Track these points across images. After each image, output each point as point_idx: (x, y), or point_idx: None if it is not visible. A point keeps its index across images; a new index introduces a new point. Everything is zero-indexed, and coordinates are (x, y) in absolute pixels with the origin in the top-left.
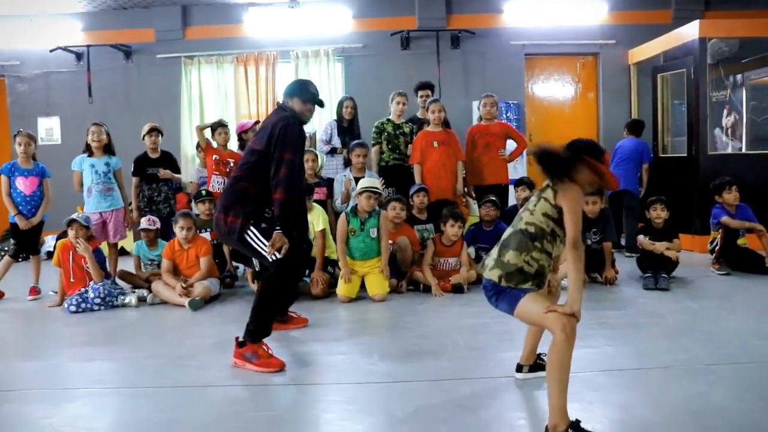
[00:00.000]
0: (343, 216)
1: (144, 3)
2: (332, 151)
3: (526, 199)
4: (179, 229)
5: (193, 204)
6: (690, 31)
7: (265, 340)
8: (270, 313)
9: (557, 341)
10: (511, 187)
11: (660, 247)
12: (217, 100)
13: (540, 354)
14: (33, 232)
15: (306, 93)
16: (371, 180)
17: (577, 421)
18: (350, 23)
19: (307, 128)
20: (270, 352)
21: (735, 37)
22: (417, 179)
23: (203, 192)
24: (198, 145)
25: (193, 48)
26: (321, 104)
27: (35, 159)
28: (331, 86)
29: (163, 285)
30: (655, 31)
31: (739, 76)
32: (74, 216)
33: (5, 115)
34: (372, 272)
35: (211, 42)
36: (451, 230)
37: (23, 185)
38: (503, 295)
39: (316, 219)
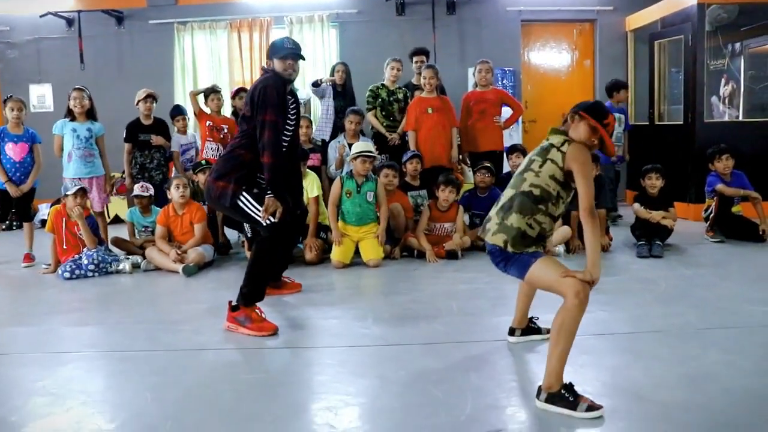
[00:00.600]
0: (337, 179)
1: None
2: (315, 84)
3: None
4: (174, 188)
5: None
6: None
7: (259, 305)
8: (263, 278)
9: (569, 306)
10: (505, 154)
11: (656, 215)
12: (210, 66)
13: (531, 318)
14: (25, 198)
15: (282, 50)
16: (365, 144)
17: (571, 384)
18: None
19: (301, 95)
20: (263, 315)
21: (734, 3)
22: (411, 145)
23: (202, 162)
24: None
25: (186, 14)
26: (300, 57)
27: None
28: (326, 52)
29: (157, 251)
30: None
31: (737, 44)
32: (79, 185)
33: None
34: (366, 237)
35: (205, 8)
36: (443, 195)
37: (13, 151)
38: (512, 261)
39: (310, 185)
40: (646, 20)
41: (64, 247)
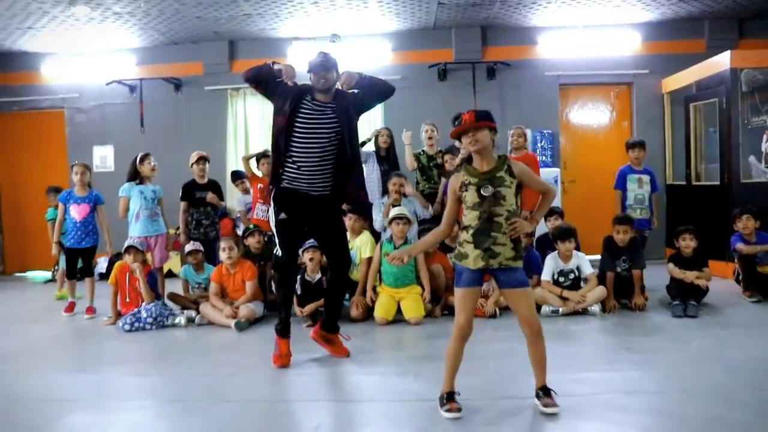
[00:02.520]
0: (378, 246)
1: (193, 38)
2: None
3: (558, 228)
4: (222, 251)
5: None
6: (722, 61)
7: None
8: (280, 306)
9: None
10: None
11: (690, 275)
12: (261, 129)
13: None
14: (86, 256)
15: (308, 69)
16: (400, 209)
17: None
18: (389, 56)
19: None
20: (279, 347)
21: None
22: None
23: (250, 227)
24: (234, 176)
25: (239, 80)
26: (324, 68)
27: (90, 186)
28: (371, 117)
29: (211, 307)
30: (688, 60)
31: None
32: (131, 242)
33: (64, 143)
34: (408, 296)
35: None
36: None
37: (75, 211)
38: None
39: (364, 245)
40: (681, 83)
41: (126, 300)
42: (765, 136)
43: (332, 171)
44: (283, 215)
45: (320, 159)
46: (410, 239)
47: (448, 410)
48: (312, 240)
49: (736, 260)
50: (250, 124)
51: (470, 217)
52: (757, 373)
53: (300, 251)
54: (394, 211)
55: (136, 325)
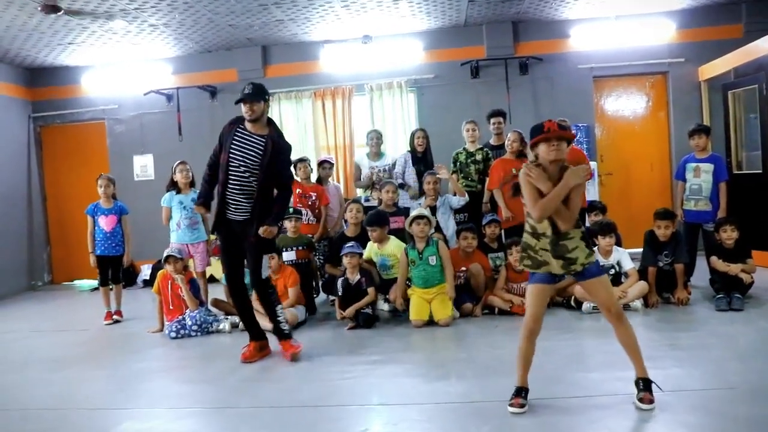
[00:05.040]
0: (403, 251)
1: (227, 45)
2: (401, 186)
3: (597, 223)
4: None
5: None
6: (762, 46)
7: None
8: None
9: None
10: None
11: (735, 268)
12: (297, 133)
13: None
14: (115, 264)
15: (237, 100)
16: (420, 210)
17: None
18: (421, 55)
19: (386, 160)
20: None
21: None
22: (499, 202)
23: (290, 210)
24: None
25: (273, 85)
26: (249, 98)
27: (115, 198)
28: (405, 117)
29: (255, 312)
30: (725, 47)
31: None
32: (170, 251)
33: (106, 154)
34: (436, 298)
35: (290, 79)
36: (512, 258)
37: (104, 223)
38: None
39: (397, 249)
40: (719, 70)
41: (170, 307)
42: None
43: (255, 197)
44: (218, 240)
45: (243, 185)
46: (449, 237)
47: (511, 405)
48: (352, 244)
49: None
50: (285, 128)
51: (543, 225)
52: None
53: (341, 255)
54: (414, 212)
55: (182, 332)
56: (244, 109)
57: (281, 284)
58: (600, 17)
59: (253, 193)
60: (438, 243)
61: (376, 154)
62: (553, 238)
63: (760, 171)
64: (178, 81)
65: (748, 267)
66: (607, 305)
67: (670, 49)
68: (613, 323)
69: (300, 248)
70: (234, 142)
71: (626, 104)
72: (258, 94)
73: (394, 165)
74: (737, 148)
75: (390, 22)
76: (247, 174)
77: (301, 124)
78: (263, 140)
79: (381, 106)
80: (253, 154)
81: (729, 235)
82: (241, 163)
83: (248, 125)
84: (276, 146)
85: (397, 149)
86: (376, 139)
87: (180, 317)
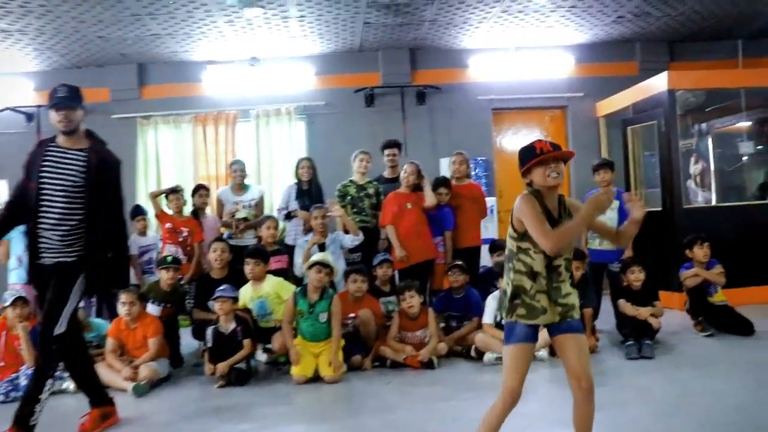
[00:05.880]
0: (291, 297)
1: (98, 61)
2: (288, 216)
3: (499, 264)
4: (121, 305)
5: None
6: (659, 83)
7: None
8: None
9: (497, 402)
10: (485, 249)
11: (644, 312)
12: (174, 161)
13: None
14: None
15: (51, 99)
16: (323, 255)
17: None
18: (312, 80)
19: (252, 193)
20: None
21: (701, 89)
22: (393, 241)
23: (168, 258)
24: (134, 212)
25: (149, 108)
26: (65, 102)
27: None
28: (293, 146)
29: (106, 367)
30: (622, 83)
31: (704, 125)
32: (18, 293)
33: None
34: (324, 353)
35: (169, 101)
36: (405, 304)
37: None
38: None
39: (278, 290)
40: (616, 106)
41: (1, 364)
42: (692, 159)
43: (79, 229)
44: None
45: (62, 217)
46: (337, 280)
47: None
48: (225, 287)
49: (685, 291)
50: (162, 155)
51: (538, 263)
52: (734, 429)
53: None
54: (317, 256)
55: (12, 394)
56: (56, 118)
57: (140, 334)
58: (500, 48)
59: (72, 228)
60: (333, 298)
61: (240, 187)
62: (548, 279)
63: (660, 209)
64: (41, 98)
65: (657, 310)
66: (577, 373)
67: (569, 84)
68: (577, 399)
69: (167, 306)
70: (45, 163)
71: (526, 138)
72: (75, 98)
73: (261, 199)
74: (636, 185)
75: (279, 43)
76: (65, 201)
77: (179, 152)
78: (84, 155)
79: (268, 134)
80: (73, 173)
81: (637, 277)
82: (58, 188)
83: (62, 139)
84: (102, 161)
85: (283, 181)
86: (240, 171)
87: (13, 375)
